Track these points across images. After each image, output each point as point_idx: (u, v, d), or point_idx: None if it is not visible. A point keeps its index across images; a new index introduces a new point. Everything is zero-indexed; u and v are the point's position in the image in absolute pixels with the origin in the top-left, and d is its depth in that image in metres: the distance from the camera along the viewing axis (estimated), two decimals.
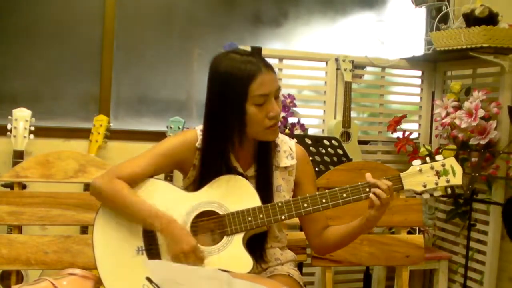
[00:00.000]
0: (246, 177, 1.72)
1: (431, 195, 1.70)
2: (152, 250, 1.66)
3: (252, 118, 1.64)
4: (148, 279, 1.35)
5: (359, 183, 1.68)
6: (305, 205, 1.67)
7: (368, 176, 1.68)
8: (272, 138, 1.72)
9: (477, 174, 2.84)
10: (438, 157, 1.70)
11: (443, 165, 1.68)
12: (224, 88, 1.65)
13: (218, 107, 1.67)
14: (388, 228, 3.01)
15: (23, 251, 1.91)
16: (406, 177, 1.68)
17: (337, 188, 1.68)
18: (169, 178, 2.74)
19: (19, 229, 2.00)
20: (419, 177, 1.68)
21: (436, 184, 1.67)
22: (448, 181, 1.67)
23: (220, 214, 1.66)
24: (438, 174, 1.67)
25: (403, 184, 1.68)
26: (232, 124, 1.66)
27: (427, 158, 1.70)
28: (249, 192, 1.67)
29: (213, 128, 1.70)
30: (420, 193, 1.71)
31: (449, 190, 1.70)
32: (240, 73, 1.62)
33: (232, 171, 1.71)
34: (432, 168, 1.68)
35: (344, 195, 1.67)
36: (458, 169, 1.68)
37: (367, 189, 1.67)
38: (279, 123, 3.06)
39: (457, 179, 1.67)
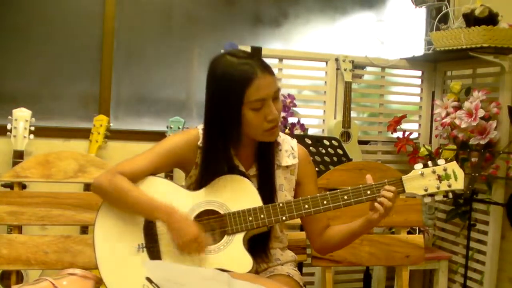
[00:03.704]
0: (248, 177, 1.72)
1: (432, 196, 1.69)
2: (152, 247, 1.66)
3: (249, 122, 1.64)
4: (148, 279, 1.35)
5: (361, 186, 1.67)
6: (306, 206, 1.67)
7: (369, 178, 1.68)
8: (271, 140, 1.71)
9: (477, 174, 2.84)
10: (440, 161, 1.69)
11: (445, 169, 1.67)
12: (221, 93, 1.64)
13: (215, 110, 1.66)
14: (388, 228, 3.01)
15: (23, 251, 1.91)
16: (408, 180, 1.68)
17: (338, 190, 1.68)
18: (169, 178, 2.74)
19: (19, 229, 2.00)
20: (421, 181, 1.67)
21: (438, 188, 1.66)
22: (449, 186, 1.66)
23: (221, 214, 1.67)
24: (439, 178, 1.66)
25: (404, 187, 1.68)
26: (230, 127, 1.65)
27: (429, 162, 1.69)
28: (250, 192, 1.67)
29: (212, 129, 1.70)
30: (422, 197, 1.71)
31: (450, 194, 1.69)
32: (236, 78, 1.61)
33: (234, 170, 1.71)
34: (434, 172, 1.67)
35: (346, 197, 1.67)
36: (460, 174, 1.67)
37: (368, 192, 1.67)
38: (279, 123, 3.08)
39: (458, 184, 1.66)
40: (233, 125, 1.64)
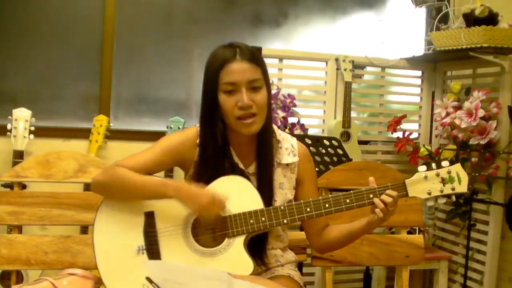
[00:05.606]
0: (248, 174, 1.72)
1: (436, 198, 1.67)
2: (152, 249, 1.66)
3: (223, 107, 1.65)
4: (148, 279, 1.35)
5: (363, 189, 1.66)
6: (308, 209, 1.67)
7: (372, 182, 1.67)
8: (245, 131, 1.67)
9: (477, 174, 2.84)
10: (444, 163, 1.66)
11: (449, 172, 1.65)
12: (204, 77, 1.70)
13: (202, 96, 1.70)
14: (388, 228, 3.01)
15: (23, 251, 1.91)
16: (411, 184, 1.66)
17: (340, 194, 1.67)
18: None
19: (19, 229, 2.00)
20: (424, 184, 1.65)
21: (441, 191, 1.64)
22: (453, 189, 1.64)
23: (222, 216, 1.66)
24: (443, 181, 1.64)
25: (407, 191, 1.66)
26: (210, 111, 1.67)
27: (433, 164, 1.66)
28: (251, 194, 1.66)
29: (204, 122, 1.71)
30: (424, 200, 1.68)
31: (453, 198, 1.67)
32: (215, 61, 1.66)
33: (234, 167, 1.71)
34: (437, 175, 1.65)
35: (348, 200, 1.66)
36: (464, 177, 1.65)
37: (371, 195, 1.66)
38: (279, 122, 3.09)
39: (462, 187, 1.64)
40: (212, 109, 1.66)
